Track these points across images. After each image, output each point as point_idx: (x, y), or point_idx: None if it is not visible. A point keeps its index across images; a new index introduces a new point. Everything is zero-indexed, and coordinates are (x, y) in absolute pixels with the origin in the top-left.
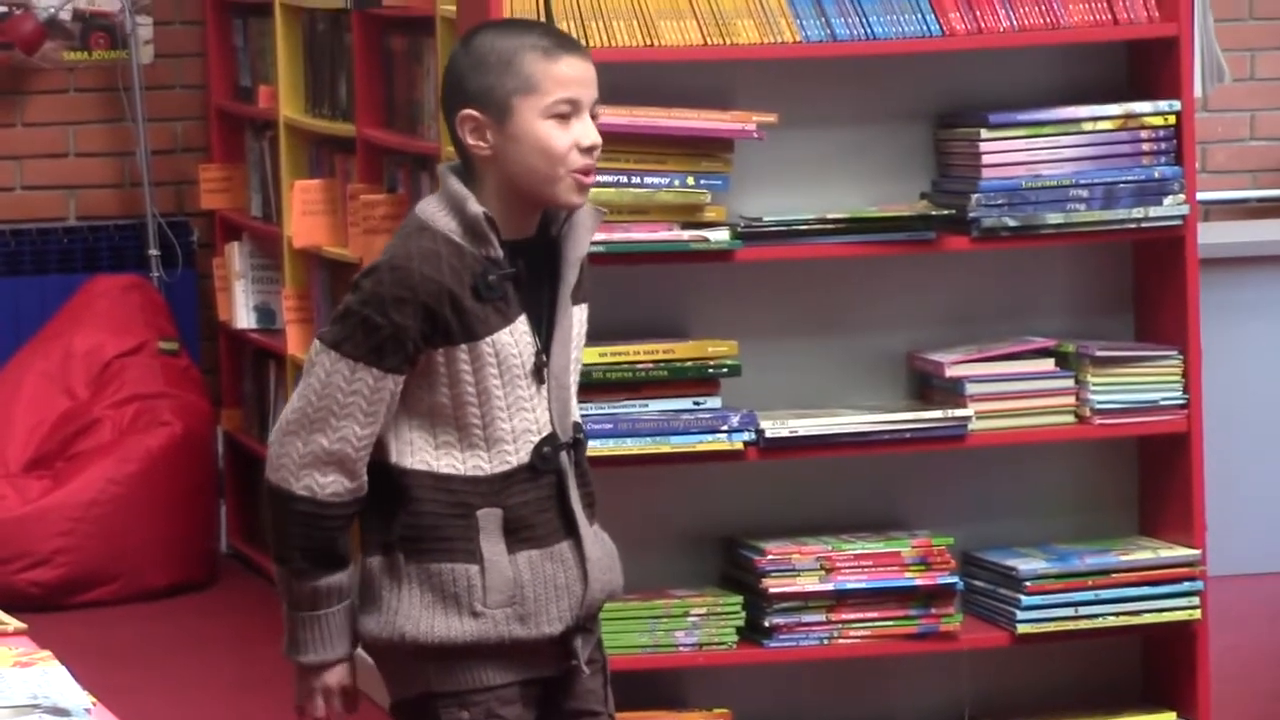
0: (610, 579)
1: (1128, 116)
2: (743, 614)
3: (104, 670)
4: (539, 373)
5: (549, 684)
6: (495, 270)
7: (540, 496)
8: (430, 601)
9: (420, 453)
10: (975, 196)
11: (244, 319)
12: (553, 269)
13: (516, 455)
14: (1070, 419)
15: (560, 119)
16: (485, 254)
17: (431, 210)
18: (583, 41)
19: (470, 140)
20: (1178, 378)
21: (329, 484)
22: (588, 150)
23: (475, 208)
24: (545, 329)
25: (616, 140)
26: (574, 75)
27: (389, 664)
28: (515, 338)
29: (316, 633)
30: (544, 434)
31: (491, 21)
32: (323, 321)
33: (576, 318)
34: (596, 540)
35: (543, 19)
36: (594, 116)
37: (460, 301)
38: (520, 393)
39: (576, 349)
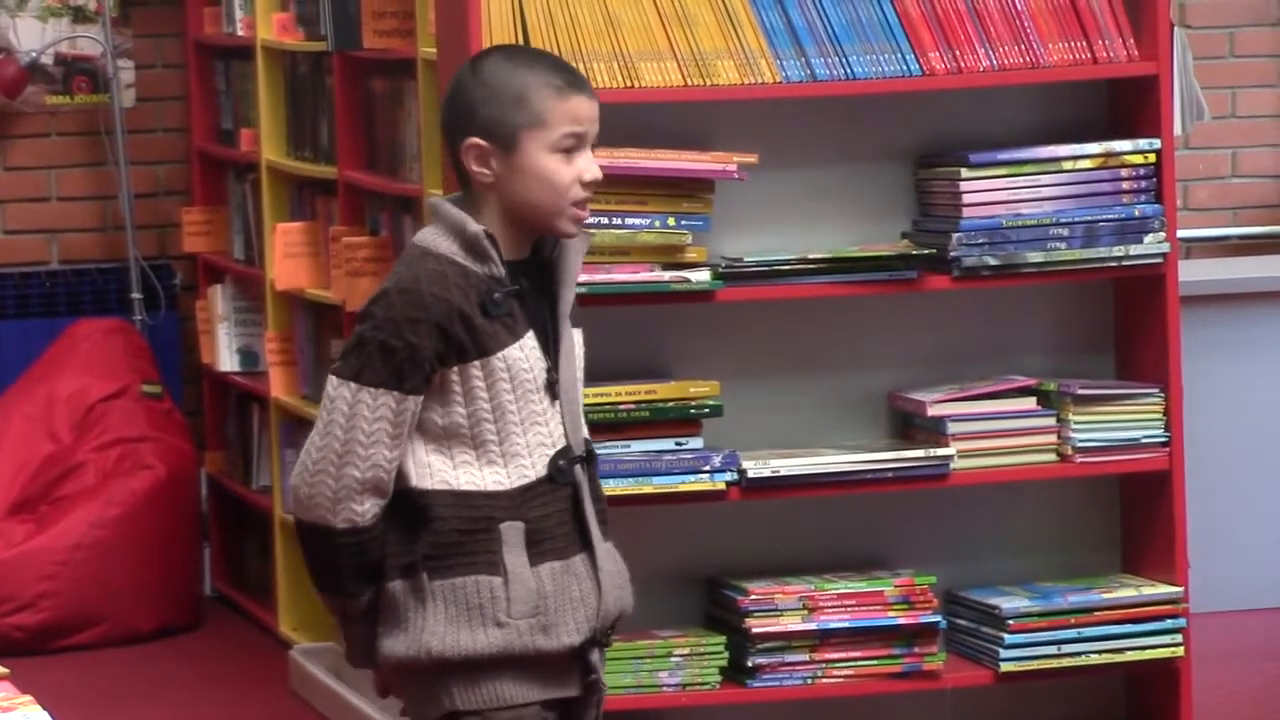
0: (622, 595)
1: (1108, 155)
2: (726, 654)
3: (88, 715)
4: (552, 387)
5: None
6: (500, 288)
7: (559, 509)
8: (454, 615)
9: (440, 474)
10: (956, 236)
11: (227, 362)
12: (549, 289)
13: (534, 469)
14: (1052, 457)
15: (564, 153)
16: (489, 273)
17: (431, 237)
18: None
19: (474, 167)
20: (1159, 415)
21: (368, 510)
22: (588, 184)
23: (475, 226)
24: (551, 345)
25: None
26: (582, 113)
27: (412, 686)
28: (526, 353)
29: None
30: (559, 447)
31: (501, 48)
32: (305, 364)
33: (576, 338)
34: (609, 555)
35: None
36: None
37: (471, 319)
38: (534, 407)
39: (579, 369)
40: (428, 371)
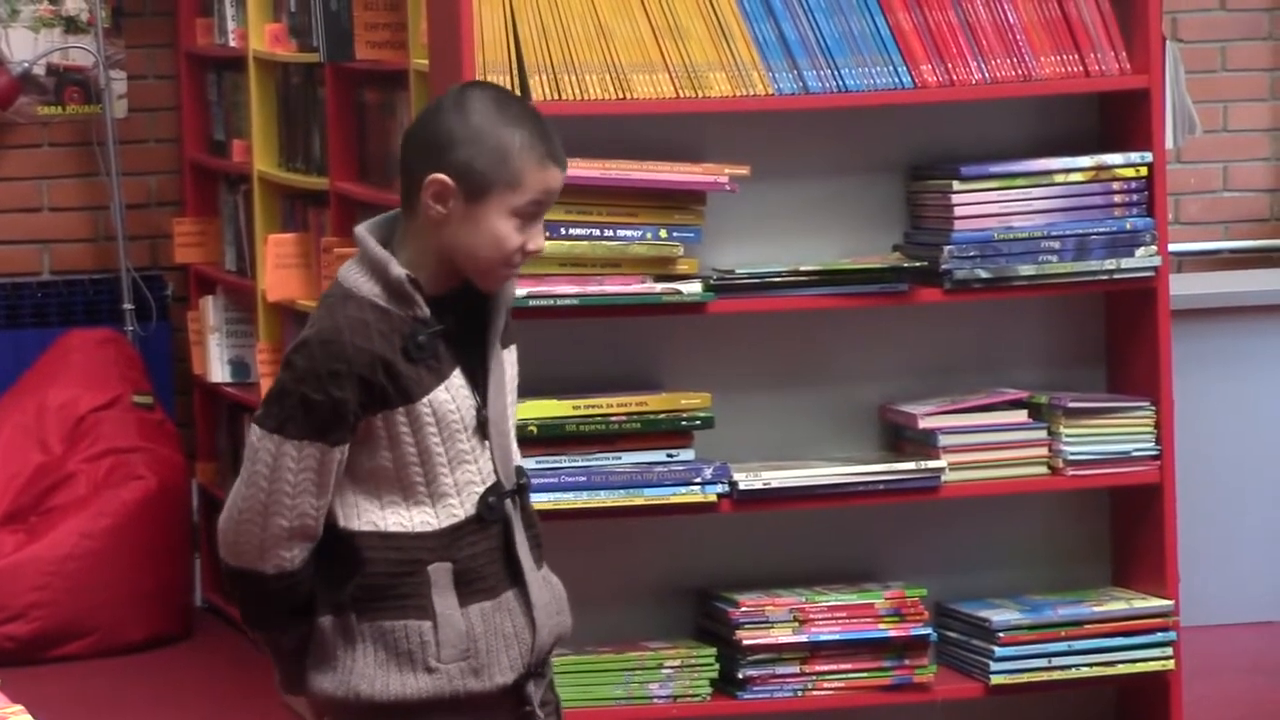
0: (558, 621)
1: (1099, 168)
2: (716, 666)
3: None
4: (482, 427)
5: None
6: (423, 330)
7: (489, 547)
8: (384, 660)
9: (367, 514)
10: (947, 248)
11: (218, 373)
12: (480, 319)
13: (463, 508)
14: (1043, 470)
15: (521, 219)
16: (412, 314)
17: (354, 276)
18: (555, 95)
19: (430, 202)
20: (1150, 429)
21: (296, 555)
22: (528, 254)
23: (398, 271)
24: (480, 378)
25: (589, 193)
26: (553, 185)
27: None
28: (452, 394)
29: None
30: (488, 484)
31: (489, 90)
32: None
33: (508, 360)
34: (544, 585)
35: (515, 72)
36: None
37: (393, 366)
38: (461, 447)
39: (511, 393)
40: (352, 422)
